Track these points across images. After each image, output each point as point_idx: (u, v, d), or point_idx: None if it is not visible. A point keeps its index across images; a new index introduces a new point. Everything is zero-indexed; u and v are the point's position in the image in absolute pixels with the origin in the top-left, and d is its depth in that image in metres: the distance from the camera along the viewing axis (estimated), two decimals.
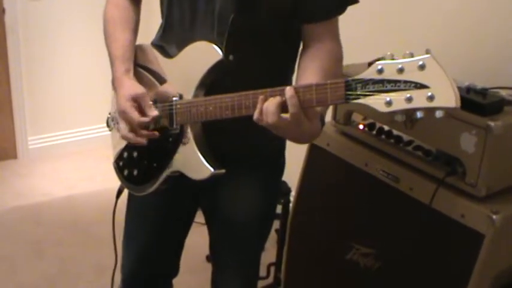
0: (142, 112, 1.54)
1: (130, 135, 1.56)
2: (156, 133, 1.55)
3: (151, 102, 1.55)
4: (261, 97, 1.29)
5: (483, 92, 1.74)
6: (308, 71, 1.49)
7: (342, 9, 1.53)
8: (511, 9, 2.13)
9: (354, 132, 2.08)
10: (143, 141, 1.56)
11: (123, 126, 1.57)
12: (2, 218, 3.45)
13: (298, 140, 1.36)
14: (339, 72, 1.56)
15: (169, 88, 1.56)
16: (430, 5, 2.46)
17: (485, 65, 2.20)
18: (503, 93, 1.80)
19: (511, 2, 2.13)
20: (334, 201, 2.16)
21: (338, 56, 1.57)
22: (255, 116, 1.30)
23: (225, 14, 1.49)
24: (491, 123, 1.64)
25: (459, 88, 1.73)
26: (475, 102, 1.69)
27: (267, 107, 1.27)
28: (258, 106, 1.30)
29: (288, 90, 1.26)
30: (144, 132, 1.55)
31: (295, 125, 1.28)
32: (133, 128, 1.54)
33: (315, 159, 2.21)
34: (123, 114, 1.55)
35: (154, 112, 1.52)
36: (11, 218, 3.46)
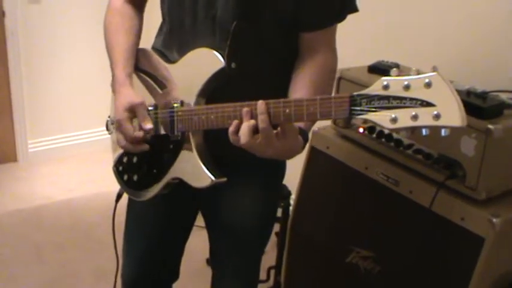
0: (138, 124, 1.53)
1: (129, 146, 1.55)
2: (147, 146, 1.55)
3: (147, 113, 1.53)
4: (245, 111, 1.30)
5: (483, 95, 1.74)
6: (298, 84, 1.51)
7: (341, 17, 1.53)
8: (511, 11, 2.13)
9: (354, 135, 2.08)
10: (142, 148, 1.55)
11: (120, 137, 1.56)
12: (1, 221, 3.44)
13: (278, 157, 1.35)
14: (330, 85, 1.57)
15: (170, 94, 1.55)
16: (432, 9, 2.46)
17: (485, 68, 2.21)
18: (503, 96, 1.80)
19: (511, 4, 2.13)
20: (334, 205, 2.16)
21: (331, 67, 1.57)
22: (231, 137, 1.32)
23: (225, 20, 1.48)
24: (491, 127, 1.64)
25: (459, 91, 1.74)
26: (475, 105, 1.69)
27: (242, 129, 1.29)
28: (234, 126, 1.32)
29: (260, 105, 1.27)
30: (141, 146, 1.54)
31: (266, 143, 1.29)
32: (129, 140, 1.53)
33: (315, 162, 2.21)
34: (118, 125, 1.54)
35: (148, 126, 1.51)
36: (10, 222, 3.45)
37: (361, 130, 2.04)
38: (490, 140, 1.65)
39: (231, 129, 1.32)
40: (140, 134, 1.51)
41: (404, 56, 2.21)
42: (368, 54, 2.18)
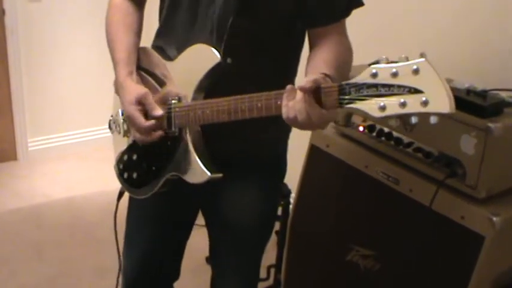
0: (147, 115, 1.54)
1: (143, 138, 1.55)
2: (162, 132, 1.54)
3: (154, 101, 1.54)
4: (285, 95, 1.27)
5: (483, 93, 1.74)
6: (317, 59, 1.47)
7: (346, 13, 1.54)
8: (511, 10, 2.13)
9: (353, 134, 2.08)
10: (156, 136, 1.54)
11: (134, 132, 1.57)
12: (1, 220, 3.45)
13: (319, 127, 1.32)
14: (350, 60, 1.56)
15: (169, 91, 1.56)
16: (431, 7, 2.46)
17: (485, 66, 2.20)
18: (503, 95, 1.80)
19: None
20: (334, 203, 2.16)
21: (347, 46, 1.56)
22: (292, 114, 1.25)
23: (225, 18, 1.49)
24: (491, 125, 1.63)
25: (459, 90, 1.74)
26: (475, 104, 1.69)
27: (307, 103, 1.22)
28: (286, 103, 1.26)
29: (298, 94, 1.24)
30: (155, 134, 1.54)
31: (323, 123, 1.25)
32: (143, 132, 1.54)
33: (315, 161, 2.21)
34: (129, 119, 1.56)
35: (158, 112, 1.52)
36: (10, 220, 3.46)
37: (361, 129, 2.04)
38: (490, 139, 1.65)
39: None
40: (152, 122, 1.52)
41: (404, 54, 2.21)
42: (367, 52, 2.18)
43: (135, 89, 1.56)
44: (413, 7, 2.53)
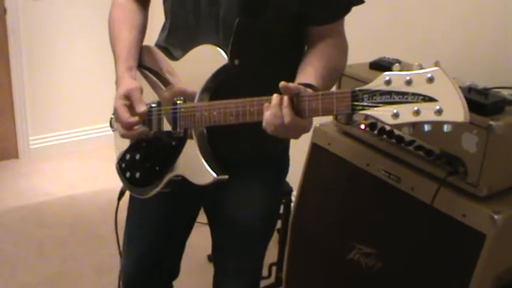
0: (133, 110, 1.52)
1: (125, 132, 1.53)
2: (146, 129, 1.54)
3: (141, 97, 1.51)
4: (266, 105, 1.29)
5: (484, 92, 1.74)
6: (309, 58, 1.49)
7: (347, 11, 1.53)
8: None
9: (355, 132, 2.08)
10: (139, 132, 1.54)
11: (118, 126, 1.55)
12: (3, 218, 3.45)
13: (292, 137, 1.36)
14: (342, 63, 1.56)
15: (174, 91, 1.55)
16: (434, 5, 2.45)
17: (486, 64, 2.20)
18: (505, 93, 1.80)
19: None
20: (336, 201, 2.16)
21: (342, 48, 1.57)
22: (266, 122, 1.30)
23: (229, 18, 1.48)
24: (493, 123, 1.63)
25: (460, 88, 1.74)
26: (477, 102, 1.69)
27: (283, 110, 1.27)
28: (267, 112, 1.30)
29: (285, 100, 1.27)
30: (136, 131, 1.53)
31: (293, 129, 1.29)
32: (125, 127, 1.52)
33: (317, 159, 2.21)
34: (115, 113, 1.54)
35: (142, 108, 1.49)
36: (12, 218, 3.46)
37: (362, 127, 2.04)
38: (492, 137, 1.65)
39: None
40: (135, 119, 1.50)
41: (406, 52, 2.21)
42: (369, 50, 2.18)
43: (126, 83, 1.53)
44: (417, 6, 2.53)
